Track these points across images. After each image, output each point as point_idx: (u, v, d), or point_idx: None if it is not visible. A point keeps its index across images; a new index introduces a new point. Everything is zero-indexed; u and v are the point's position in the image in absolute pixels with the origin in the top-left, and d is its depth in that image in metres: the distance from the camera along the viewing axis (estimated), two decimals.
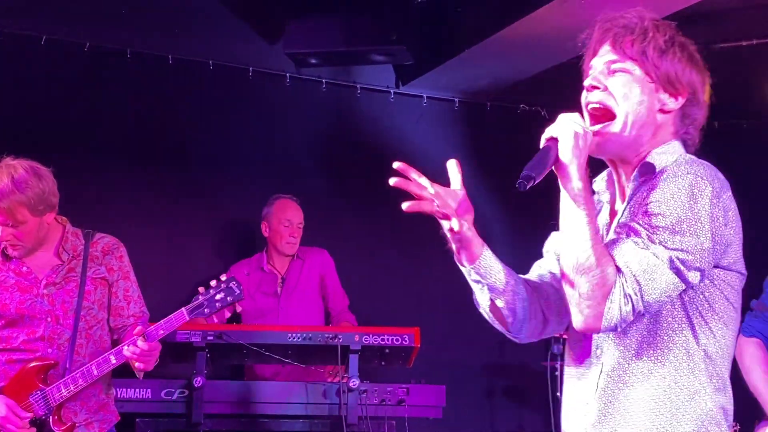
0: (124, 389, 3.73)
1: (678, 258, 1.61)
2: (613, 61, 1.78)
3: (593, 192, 1.76)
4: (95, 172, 4.81)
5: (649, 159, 1.76)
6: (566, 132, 1.70)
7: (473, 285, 1.91)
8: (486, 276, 1.89)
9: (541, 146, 1.75)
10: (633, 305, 1.61)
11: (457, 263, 1.91)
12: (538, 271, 2.13)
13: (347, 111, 5.49)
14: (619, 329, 1.66)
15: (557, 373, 4.38)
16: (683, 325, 1.69)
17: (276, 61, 5.04)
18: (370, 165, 5.48)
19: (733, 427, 3.91)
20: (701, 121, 1.82)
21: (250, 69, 5.11)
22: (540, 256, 5.84)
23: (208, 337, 3.71)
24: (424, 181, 1.87)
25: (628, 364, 1.72)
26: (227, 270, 4.67)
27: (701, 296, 1.69)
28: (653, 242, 1.61)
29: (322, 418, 3.84)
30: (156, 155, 5.00)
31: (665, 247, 1.61)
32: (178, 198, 5.04)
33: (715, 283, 1.70)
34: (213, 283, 3.15)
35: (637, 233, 1.64)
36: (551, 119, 6.21)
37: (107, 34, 4.78)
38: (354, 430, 3.77)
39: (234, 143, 5.20)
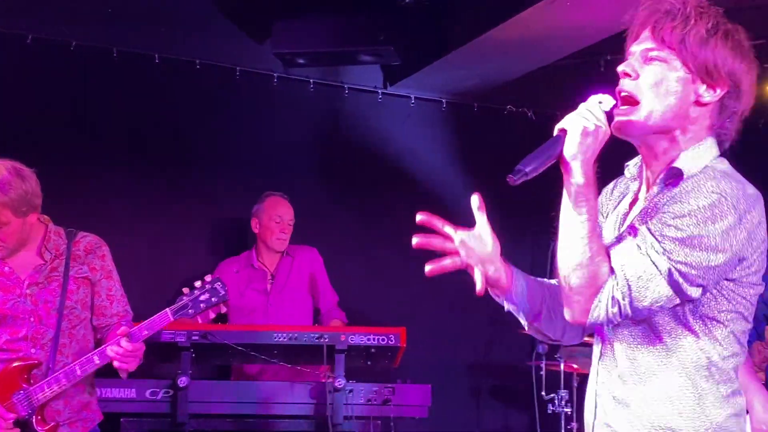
0: (109, 389, 3.72)
1: (679, 271, 1.57)
2: (650, 49, 1.71)
3: (598, 190, 1.70)
4: (81, 171, 4.79)
5: (677, 163, 1.70)
6: (575, 127, 1.67)
7: (508, 307, 1.92)
8: (520, 303, 1.90)
9: (553, 135, 1.72)
10: (620, 309, 1.59)
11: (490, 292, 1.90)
12: None
13: (335, 111, 5.49)
14: (606, 327, 1.67)
15: (542, 372, 4.40)
16: (686, 332, 1.66)
17: (264, 60, 5.04)
18: (357, 165, 5.50)
19: None
20: (741, 114, 1.73)
21: (238, 69, 5.11)
22: (527, 254, 5.88)
23: (193, 337, 3.70)
24: (448, 229, 1.87)
25: (632, 365, 1.71)
26: (215, 267, 4.67)
27: (706, 306, 1.65)
28: (657, 251, 1.58)
29: (308, 417, 3.84)
30: (142, 154, 4.99)
31: (669, 258, 1.57)
32: (164, 197, 5.03)
33: (724, 293, 1.65)
34: (197, 283, 3.14)
35: (643, 237, 1.60)
36: (538, 120, 6.28)
37: (93, 32, 4.75)
38: (340, 430, 3.77)
39: (221, 143, 5.19)
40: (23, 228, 3.11)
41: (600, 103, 1.72)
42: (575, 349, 4.37)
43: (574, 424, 4.36)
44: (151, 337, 3.39)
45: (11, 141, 4.16)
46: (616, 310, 1.59)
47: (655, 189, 1.74)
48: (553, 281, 1.93)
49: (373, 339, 3.83)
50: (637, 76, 1.72)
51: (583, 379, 4.46)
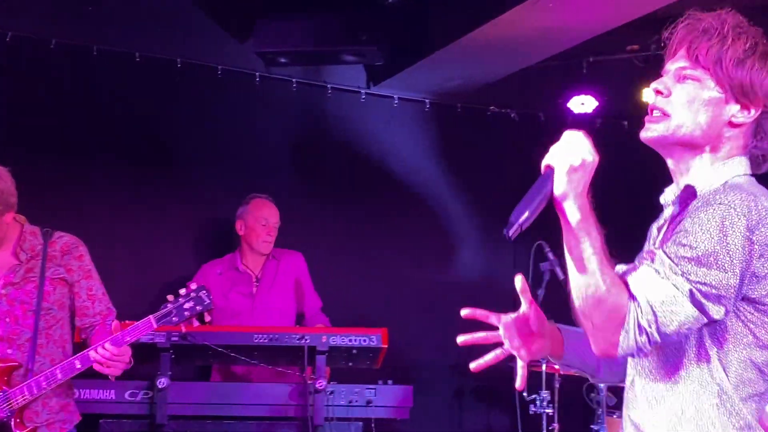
0: (88, 390, 3.69)
1: (700, 291, 1.54)
2: (684, 68, 1.69)
3: (596, 219, 1.65)
4: (59, 170, 4.75)
5: (692, 180, 1.70)
6: (561, 164, 1.61)
7: (567, 369, 1.95)
8: (577, 364, 1.92)
9: (541, 172, 1.66)
10: (648, 336, 1.55)
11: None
12: None
13: (317, 111, 5.47)
14: (638, 356, 1.62)
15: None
16: (699, 357, 1.62)
17: (245, 59, 5.01)
18: (340, 165, 5.49)
19: None
20: None
21: (219, 68, 5.07)
22: (509, 254, 5.87)
23: (173, 338, 3.67)
24: (492, 320, 1.91)
25: (645, 387, 1.69)
26: (198, 269, 4.64)
27: (722, 329, 1.61)
28: (675, 273, 1.55)
29: (289, 419, 3.82)
30: (121, 153, 4.94)
31: (687, 279, 1.54)
32: (144, 197, 4.99)
33: (740, 316, 1.61)
34: (182, 291, 3.12)
35: (660, 261, 1.58)
36: (521, 121, 6.28)
37: (73, 30, 4.71)
38: None
39: (202, 142, 5.16)
40: None
41: (572, 140, 1.68)
42: None
43: (556, 425, 4.37)
44: None
45: None
46: (644, 338, 1.55)
47: (673, 209, 1.74)
48: None
49: (355, 340, 3.82)
50: (669, 94, 1.71)
51: (565, 380, 4.47)
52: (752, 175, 1.72)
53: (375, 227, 5.52)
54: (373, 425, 3.85)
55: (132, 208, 4.95)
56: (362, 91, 5.49)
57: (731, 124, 1.68)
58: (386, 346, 3.83)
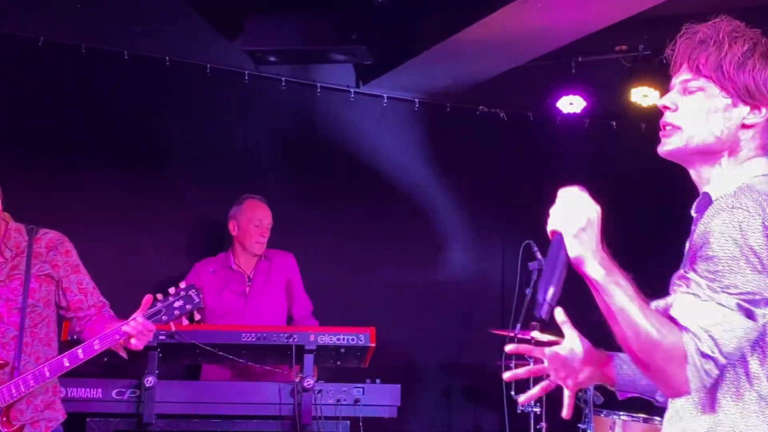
0: (75, 388, 3.67)
1: (746, 300, 1.53)
2: (688, 80, 1.71)
3: (615, 264, 1.64)
4: (47, 168, 4.73)
5: (707, 188, 1.70)
6: (567, 229, 1.61)
7: (624, 395, 1.94)
8: (634, 388, 1.92)
9: (550, 238, 1.65)
10: (714, 361, 1.53)
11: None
12: None
13: (307, 110, 5.46)
14: (710, 384, 1.58)
15: None
16: (735, 363, 1.61)
17: (235, 58, 5.01)
18: (329, 164, 5.49)
19: None
20: None
21: (208, 66, 5.06)
22: (498, 251, 5.84)
23: (160, 337, 3.66)
24: (537, 352, 1.91)
25: (686, 399, 1.68)
26: (187, 268, 4.63)
27: (760, 335, 1.59)
28: (715, 291, 1.54)
29: (277, 418, 3.82)
30: (110, 151, 4.93)
31: (728, 293, 1.53)
32: (133, 195, 4.98)
33: None
34: (172, 290, 3.11)
35: (697, 284, 1.57)
36: (510, 121, 6.27)
37: (62, 29, 4.70)
38: (308, 431, 3.75)
39: (191, 141, 5.15)
40: None
41: (571, 198, 1.68)
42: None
43: (543, 424, 4.38)
44: None
45: None
46: (710, 365, 1.53)
47: (695, 219, 1.73)
48: None
49: (343, 339, 3.82)
50: (677, 108, 1.73)
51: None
52: None
53: (364, 226, 5.52)
54: (360, 424, 3.84)
55: (120, 207, 4.93)
56: (352, 90, 5.49)
57: (744, 126, 1.69)
58: (374, 345, 3.84)
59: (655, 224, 6.13)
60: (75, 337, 3.33)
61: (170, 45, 4.95)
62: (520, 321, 4.43)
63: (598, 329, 1.69)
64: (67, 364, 3.03)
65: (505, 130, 5.83)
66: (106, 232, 4.84)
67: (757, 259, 1.53)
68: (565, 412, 1.89)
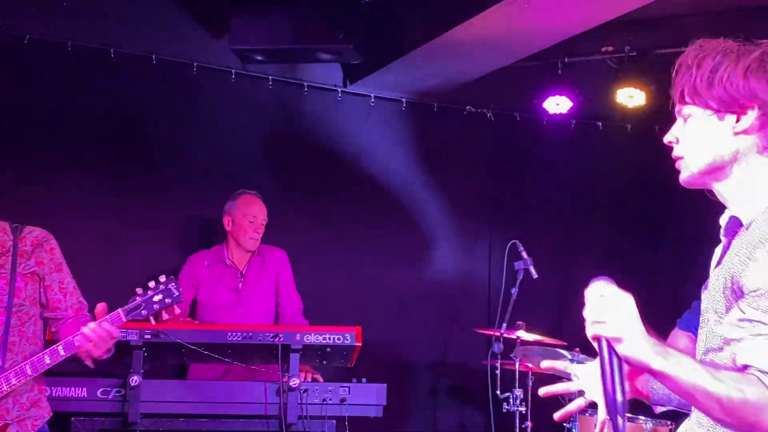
0: (59, 388, 3.65)
1: None
2: (679, 110, 1.77)
3: (663, 341, 1.61)
4: (33, 166, 4.71)
5: (733, 209, 1.70)
6: (609, 331, 1.56)
7: (663, 409, 1.95)
8: (662, 402, 1.93)
9: (596, 346, 1.61)
10: None
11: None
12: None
13: (294, 109, 5.46)
14: None
15: (497, 372, 4.42)
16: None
17: (221, 56, 5.00)
18: (316, 163, 5.48)
19: (669, 426, 4.00)
20: None
21: (195, 64, 5.05)
22: (485, 250, 5.83)
23: (145, 336, 3.65)
24: (571, 369, 1.92)
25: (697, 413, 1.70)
26: (176, 263, 4.62)
27: None
28: None
29: (262, 417, 3.81)
30: (95, 149, 4.91)
31: None
32: (118, 192, 4.96)
33: None
34: (151, 284, 3.10)
35: (761, 322, 1.54)
36: (497, 121, 6.27)
37: (48, 26, 4.68)
38: (294, 430, 3.75)
39: (177, 139, 5.14)
40: None
41: (602, 296, 1.62)
42: (530, 349, 4.40)
43: (529, 423, 4.39)
44: None
45: None
46: None
47: (724, 240, 1.73)
48: None
49: (329, 338, 3.81)
50: (677, 140, 1.77)
51: (538, 378, 4.50)
52: None
53: (350, 225, 5.52)
54: (347, 424, 3.84)
55: (106, 205, 4.92)
56: (339, 89, 5.49)
57: (738, 134, 1.70)
58: (360, 344, 3.83)
59: (640, 223, 6.16)
60: (53, 337, 3.31)
61: (156, 43, 4.93)
62: (506, 320, 4.45)
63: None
64: (48, 362, 3.01)
65: (492, 130, 5.85)
66: (91, 229, 4.83)
67: None
68: (558, 416, 1.92)
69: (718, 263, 1.72)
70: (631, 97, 5.32)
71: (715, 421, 1.58)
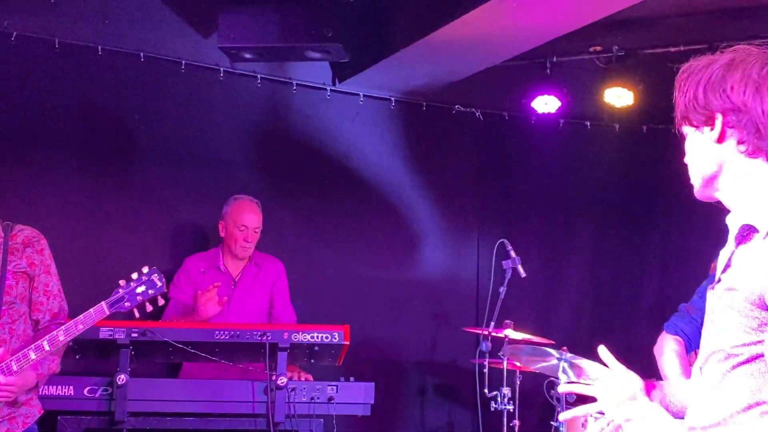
0: (46, 386, 3.61)
1: None
2: (680, 129, 1.82)
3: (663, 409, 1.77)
4: (19, 164, 4.69)
5: (748, 220, 1.70)
6: (622, 414, 1.77)
7: None
8: (679, 415, 1.92)
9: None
10: None
11: None
12: None
13: (282, 107, 5.45)
14: None
15: (485, 370, 4.43)
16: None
17: (210, 54, 4.98)
18: (305, 162, 5.48)
19: None
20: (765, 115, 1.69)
21: (183, 62, 5.03)
22: (470, 252, 5.83)
23: (133, 334, 3.63)
24: (589, 390, 1.94)
25: None
26: (162, 262, 4.59)
27: None
28: None
29: (250, 416, 3.80)
30: (83, 147, 4.89)
31: None
32: (106, 191, 4.94)
33: None
34: (134, 275, 3.10)
35: None
36: (485, 120, 6.28)
37: (35, 23, 4.65)
38: (281, 429, 3.75)
39: (165, 137, 5.11)
40: None
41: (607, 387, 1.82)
42: (518, 347, 4.41)
43: (516, 422, 4.40)
44: (90, 334, 3.34)
45: None
46: None
47: (732, 244, 1.73)
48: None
49: (317, 337, 3.81)
50: (684, 157, 1.82)
51: (526, 377, 4.51)
52: None
53: (339, 224, 5.52)
54: (334, 422, 3.85)
55: (92, 203, 4.90)
56: (328, 88, 5.49)
57: (718, 143, 1.73)
58: (348, 342, 3.83)
59: (628, 223, 6.19)
60: None
61: (145, 41, 4.91)
62: (494, 319, 4.45)
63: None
64: (33, 357, 3.01)
65: (481, 130, 5.86)
66: (76, 228, 4.81)
67: None
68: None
69: (728, 266, 1.72)
70: (619, 96, 5.34)
71: None
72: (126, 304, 3.05)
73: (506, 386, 4.37)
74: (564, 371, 4.24)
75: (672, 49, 5.07)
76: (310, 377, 4.14)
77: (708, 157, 1.75)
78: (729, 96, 1.69)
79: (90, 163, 4.91)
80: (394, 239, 5.64)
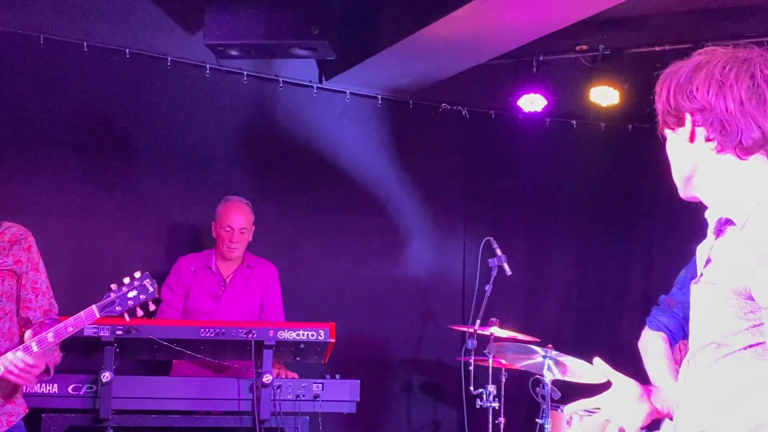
0: None
1: None
2: (662, 132, 1.85)
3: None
4: (4, 161, 4.66)
5: (724, 214, 1.73)
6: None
7: None
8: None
9: None
10: None
11: None
12: None
13: (269, 104, 5.44)
14: None
15: (471, 368, 4.44)
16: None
17: (196, 51, 4.96)
18: (291, 160, 5.47)
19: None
20: (731, 113, 1.71)
21: (169, 58, 5.01)
22: (456, 250, 5.83)
23: (117, 332, 3.62)
24: (594, 403, 1.99)
25: None
26: (147, 261, 4.60)
27: None
28: None
29: (235, 413, 3.80)
30: (67, 144, 4.86)
31: None
32: (90, 188, 4.92)
33: None
34: (126, 280, 3.08)
35: None
36: (472, 118, 6.29)
37: (20, 18, 4.62)
38: (267, 426, 3.74)
39: (151, 133, 5.10)
40: None
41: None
42: (504, 345, 4.42)
43: (502, 419, 4.41)
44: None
45: None
46: None
47: (712, 237, 1.77)
48: None
49: (302, 334, 3.81)
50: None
51: (511, 374, 4.52)
52: None
53: (325, 222, 5.52)
54: (320, 420, 3.84)
55: (77, 200, 4.88)
56: (314, 85, 5.48)
57: (690, 143, 1.77)
58: (334, 340, 3.83)
59: (612, 221, 6.21)
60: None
61: (130, 37, 4.88)
62: (479, 317, 4.46)
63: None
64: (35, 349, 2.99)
65: (467, 128, 5.87)
66: (64, 226, 4.79)
67: None
68: None
69: (708, 260, 1.76)
70: (605, 95, 5.36)
71: None
72: (117, 308, 3.03)
73: (492, 384, 4.38)
74: (549, 368, 4.26)
75: (657, 49, 5.09)
76: (295, 375, 4.14)
77: (683, 157, 1.79)
78: (695, 96, 1.73)
79: (75, 159, 4.89)
80: (380, 237, 5.65)
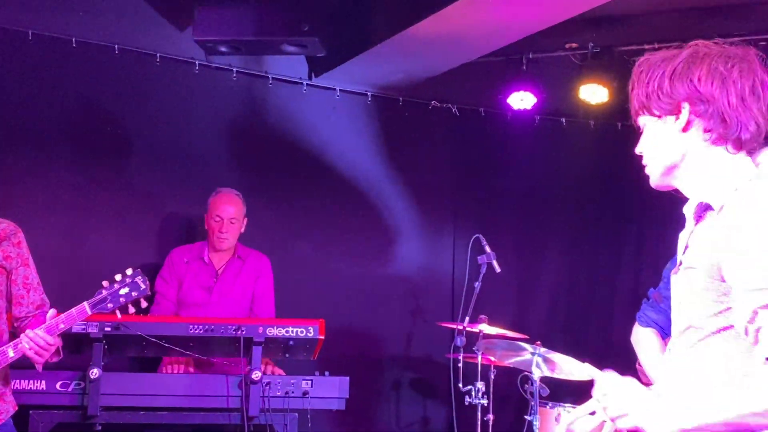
0: (18, 380, 3.60)
1: None
2: (637, 122, 1.88)
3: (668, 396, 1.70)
4: None
5: (705, 199, 1.75)
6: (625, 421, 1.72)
7: None
8: None
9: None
10: None
11: None
12: None
13: (258, 101, 5.43)
14: None
15: (460, 365, 4.44)
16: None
17: (185, 47, 4.95)
18: (280, 156, 5.46)
19: None
20: (731, 106, 1.74)
21: (158, 55, 5.00)
22: (446, 247, 5.84)
23: (106, 328, 3.61)
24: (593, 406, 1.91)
25: None
26: (138, 256, 4.60)
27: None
28: None
29: (224, 410, 3.79)
30: (55, 140, 4.84)
31: None
32: (79, 184, 4.90)
33: None
34: (118, 277, 3.08)
35: (755, 312, 1.58)
36: (461, 116, 6.29)
37: (8, 14, 4.59)
38: (256, 423, 3.74)
39: (140, 130, 5.08)
40: None
41: (604, 394, 1.77)
42: (493, 342, 4.43)
43: (490, 416, 4.42)
44: None
45: None
46: None
47: (691, 223, 1.79)
48: None
49: (292, 331, 3.81)
50: (642, 151, 1.87)
51: (500, 371, 4.53)
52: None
53: (314, 219, 5.51)
54: (309, 416, 3.84)
55: (67, 196, 4.86)
56: (304, 82, 5.47)
57: (682, 132, 1.79)
58: (323, 337, 3.83)
59: (602, 218, 6.23)
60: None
61: (119, 33, 4.87)
62: (468, 314, 4.47)
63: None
64: (12, 355, 2.99)
65: (457, 125, 5.87)
66: (50, 221, 4.76)
67: None
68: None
69: (687, 246, 1.79)
70: (594, 93, 5.37)
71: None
72: (109, 305, 3.03)
73: (480, 381, 4.39)
74: (538, 365, 4.28)
75: (647, 47, 5.10)
76: (282, 372, 4.14)
77: (671, 146, 1.80)
78: (696, 86, 1.75)
79: (64, 155, 4.87)
80: (370, 233, 5.65)
